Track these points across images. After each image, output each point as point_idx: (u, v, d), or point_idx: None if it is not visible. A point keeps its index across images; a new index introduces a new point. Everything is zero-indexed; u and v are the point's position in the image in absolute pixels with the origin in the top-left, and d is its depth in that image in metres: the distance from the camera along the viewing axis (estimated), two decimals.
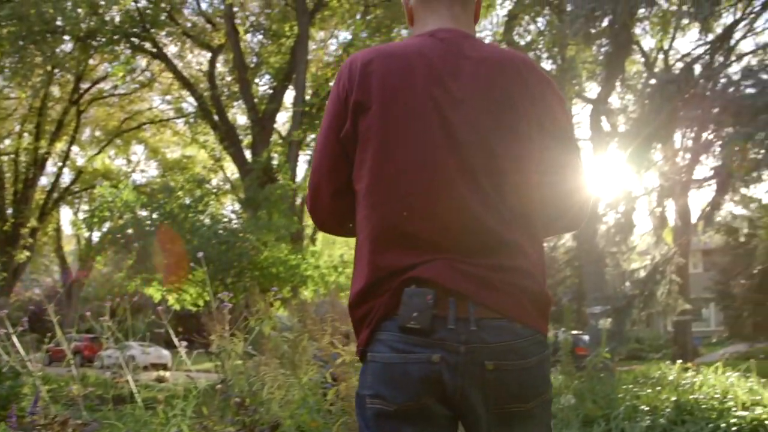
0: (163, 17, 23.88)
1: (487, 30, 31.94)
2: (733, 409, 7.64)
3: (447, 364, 1.60)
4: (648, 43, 25.46)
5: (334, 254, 32.65)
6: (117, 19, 22.96)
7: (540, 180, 1.77)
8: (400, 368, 1.63)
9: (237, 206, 24.40)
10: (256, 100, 24.25)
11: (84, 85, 28.65)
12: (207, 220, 18.45)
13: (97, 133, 33.08)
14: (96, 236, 25.26)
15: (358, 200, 1.76)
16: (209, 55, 25.53)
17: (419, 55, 1.77)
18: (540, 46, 25.28)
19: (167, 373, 16.57)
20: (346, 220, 1.87)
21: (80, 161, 33.29)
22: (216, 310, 4.30)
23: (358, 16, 25.62)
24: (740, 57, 15.24)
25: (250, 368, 4.32)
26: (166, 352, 24.68)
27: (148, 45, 23.86)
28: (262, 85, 26.56)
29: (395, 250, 1.67)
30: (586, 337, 18.24)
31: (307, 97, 24.31)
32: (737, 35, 15.76)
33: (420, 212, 1.66)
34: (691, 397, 8.04)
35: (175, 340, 4.95)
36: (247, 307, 4.42)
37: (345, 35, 27.39)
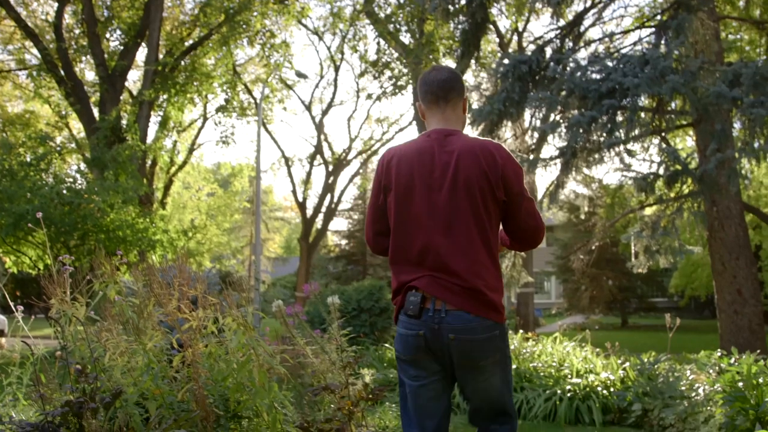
0: None
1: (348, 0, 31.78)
2: (569, 376, 8.07)
3: (428, 335, 2.93)
4: (503, 23, 26.22)
5: (184, 219, 32.00)
6: None
7: (504, 223, 3.11)
8: (405, 338, 3.01)
9: (82, 166, 23.30)
10: (106, 56, 23.13)
11: None
12: (50, 179, 17.60)
13: None
14: None
15: (392, 242, 3.09)
16: (56, 4, 24.11)
17: (418, 153, 3.06)
18: (399, 19, 25.51)
19: (3, 339, 15.80)
20: (386, 249, 3.16)
21: None
22: (57, 273, 4.10)
23: None
24: (588, 43, 15.90)
25: (92, 334, 4.16)
26: (1, 317, 23.51)
27: None
28: (113, 40, 25.33)
29: (405, 271, 3.03)
30: None
31: (161, 56, 23.52)
32: (587, 23, 16.45)
33: (417, 254, 3.00)
34: (530, 365, 8.42)
35: (12, 305, 4.70)
36: (91, 270, 4.24)
37: None
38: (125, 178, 18.68)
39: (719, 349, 8.93)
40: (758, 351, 8.56)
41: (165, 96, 24.03)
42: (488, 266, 2.97)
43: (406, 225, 3.02)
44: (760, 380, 4.98)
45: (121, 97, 23.23)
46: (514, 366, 8.09)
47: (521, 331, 11.36)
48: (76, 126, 27.47)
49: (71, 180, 18.89)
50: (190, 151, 32.71)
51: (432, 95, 3.14)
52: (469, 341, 2.89)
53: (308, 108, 35.89)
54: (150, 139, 23.63)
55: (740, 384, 5.09)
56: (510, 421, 3.13)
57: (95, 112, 22.20)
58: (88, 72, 26.33)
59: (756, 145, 12.27)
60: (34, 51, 24.64)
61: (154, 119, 24.99)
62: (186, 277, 4.06)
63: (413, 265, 2.99)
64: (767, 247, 29.29)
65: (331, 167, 36.25)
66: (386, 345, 11.54)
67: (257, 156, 22.97)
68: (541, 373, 8.19)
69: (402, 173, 3.03)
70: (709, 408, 6.30)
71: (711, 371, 7.60)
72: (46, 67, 22.62)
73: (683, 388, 7.06)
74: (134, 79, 27.62)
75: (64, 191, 16.58)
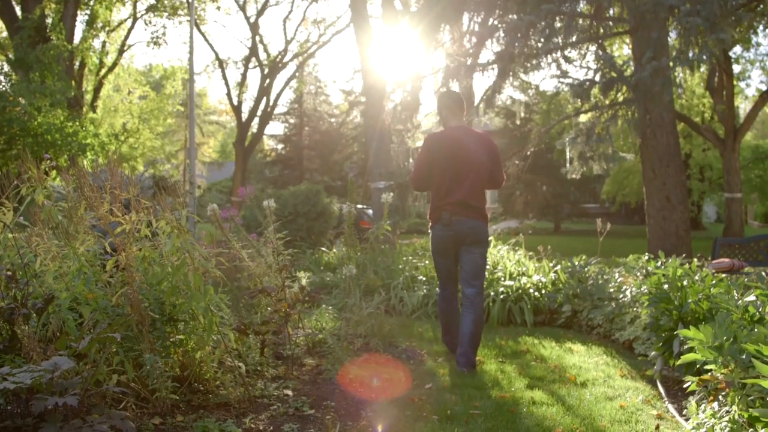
0: None
1: None
2: (502, 279, 8.24)
3: (454, 233, 5.57)
4: None
5: (116, 123, 31.22)
6: None
7: (489, 176, 5.74)
8: (438, 238, 5.68)
9: (6, 67, 22.41)
10: None
11: None
12: None
13: None
14: None
15: (432, 185, 5.73)
16: None
17: (450, 136, 5.67)
18: None
19: None
20: (428, 188, 5.80)
21: None
22: None
23: None
24: None
25: (22, 240, 4.07)
26: None
27: None
28: None
29: (440, 200, 5.62)
30: (370, 211, 18.81)
31: None
32: None
33: (447, 191, 5.58)
34: None
35: None
36: (18, 176, 4.11)
37: None
38: (52, 80, 18.05)
39: (647, 253, 9.21)
40: (684, 255, 8.86)
41: None
42: (483, 197, 5.62)
43: (442, 179, 5.56)
44: (684, 282, 5.15)
45: None
46: None
47: None
48: None
49: None
50: (120, 52, 31.68)
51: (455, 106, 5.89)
52: (474, 234, 5.52)
53: (242, 8, 34.97)
54: (77, 39, 22.75)
55: (665, 286, 5.25)
56: (482, 282, 5.66)
57: (18, 10, 21.20)
58: None
59: (690, 54, 12.39)
60: None
61: (81, 18, 24.05)
62: (118, 181, 3.98)
63: (444, 197, 5.55)
64: (696, 156, 30.03)
65: (266, 70, 35.58)
66: (323, 249, 11.60)
67: (190, 58, 22.34)
68: None
69: (440, 147, 5.60)
70: (635, 309, 6.53)
71: (638, 274, 7.84)
72: None
73: (611, 290, 7.29)
74: None
75: None
